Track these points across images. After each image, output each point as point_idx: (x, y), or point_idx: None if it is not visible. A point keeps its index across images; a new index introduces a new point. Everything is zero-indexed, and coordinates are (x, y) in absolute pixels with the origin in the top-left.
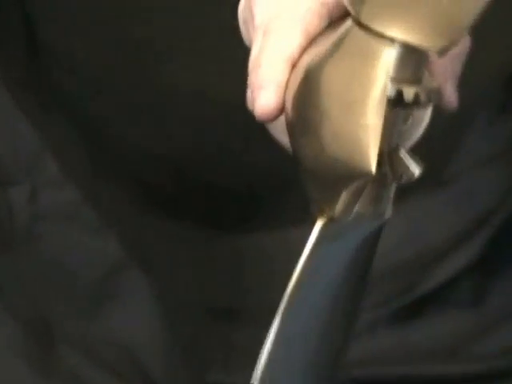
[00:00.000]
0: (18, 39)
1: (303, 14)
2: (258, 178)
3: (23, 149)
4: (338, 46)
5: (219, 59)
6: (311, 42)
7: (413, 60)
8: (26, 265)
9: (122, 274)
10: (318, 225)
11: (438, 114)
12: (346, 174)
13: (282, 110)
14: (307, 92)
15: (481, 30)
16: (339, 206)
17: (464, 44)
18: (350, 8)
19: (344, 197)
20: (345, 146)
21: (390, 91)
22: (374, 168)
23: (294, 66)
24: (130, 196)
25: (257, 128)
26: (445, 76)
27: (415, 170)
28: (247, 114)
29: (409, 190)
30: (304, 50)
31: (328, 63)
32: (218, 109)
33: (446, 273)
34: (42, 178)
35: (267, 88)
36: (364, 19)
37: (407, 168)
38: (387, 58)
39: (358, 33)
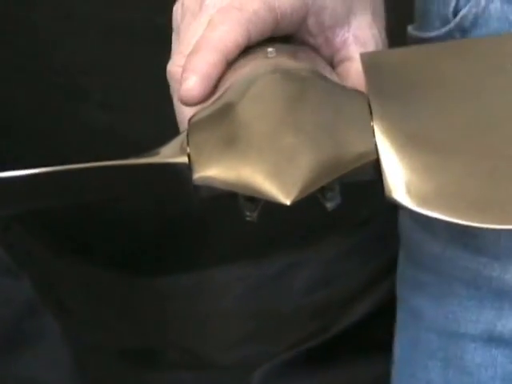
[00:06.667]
0: None
1: (249, 15)
2: (174, 218)
3: None
4: None
5: (130, 99)
6: (246, 48)
7: None
8: None
9: (34, 315)
10: None
11: None
12: None
13: (204, 98)
14: None
15: None
16: None
17: None
18: None
19: None
20: None
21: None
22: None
23: (228, 62)
24: (45, 239)
25: None
26: None
27: None
28: None
29: (323, 232)
30: (240, 49)
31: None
32: (129, 148)
33: (361, 313)
34: None
35: (196, 75)
36: None
37: None
38: None
39: None
